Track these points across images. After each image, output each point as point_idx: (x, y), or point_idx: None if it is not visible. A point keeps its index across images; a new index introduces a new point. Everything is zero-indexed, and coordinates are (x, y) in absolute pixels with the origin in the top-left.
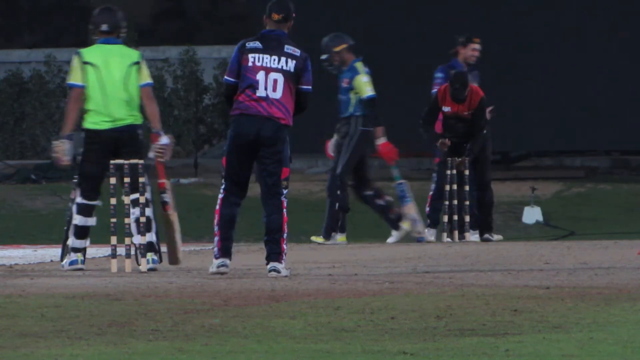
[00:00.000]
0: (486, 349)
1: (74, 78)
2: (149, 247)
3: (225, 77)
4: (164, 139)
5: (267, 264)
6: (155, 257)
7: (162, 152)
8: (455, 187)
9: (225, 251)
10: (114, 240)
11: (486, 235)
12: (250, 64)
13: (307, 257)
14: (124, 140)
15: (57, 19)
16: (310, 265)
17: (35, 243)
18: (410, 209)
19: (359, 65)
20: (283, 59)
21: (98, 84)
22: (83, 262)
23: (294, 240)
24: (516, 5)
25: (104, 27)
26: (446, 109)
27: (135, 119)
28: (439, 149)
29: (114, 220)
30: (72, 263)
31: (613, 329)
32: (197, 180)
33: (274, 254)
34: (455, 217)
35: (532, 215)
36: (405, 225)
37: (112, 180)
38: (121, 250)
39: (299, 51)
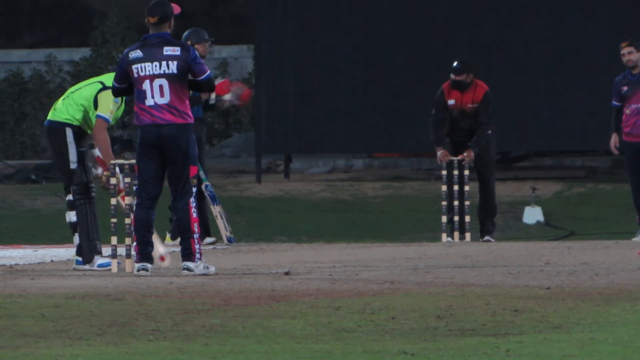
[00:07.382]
0: (487, 349)
1: None
2: (77, 249)
3: (113, 82)
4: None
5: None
6: (79, 259)
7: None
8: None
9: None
10: (114, 240)
11: (487, 237)
12: (135, 75)
13: (307, 257)
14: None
15: (57, 19)
16: (311, 265)
17: (35, 243)
18: (220, 210)
19: None
20: (164, 62)
21: None
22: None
23: (294, 240)
24: (517, 5)
25: None
26: (451, 102)
27: (53, 115)
28: (439, 159)
29: (114, 220)
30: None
31: (614, 329)
32: None
33: (186, 254)
34: (456, 218)
35: (532, 215)
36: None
37: (113, 181)
38: (121, 250)
39: (178, 49)
